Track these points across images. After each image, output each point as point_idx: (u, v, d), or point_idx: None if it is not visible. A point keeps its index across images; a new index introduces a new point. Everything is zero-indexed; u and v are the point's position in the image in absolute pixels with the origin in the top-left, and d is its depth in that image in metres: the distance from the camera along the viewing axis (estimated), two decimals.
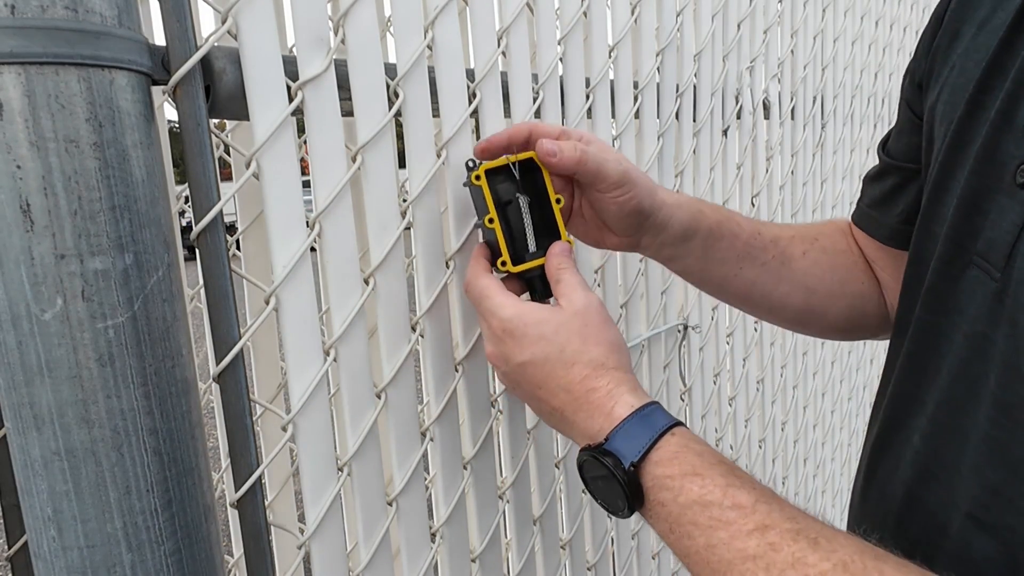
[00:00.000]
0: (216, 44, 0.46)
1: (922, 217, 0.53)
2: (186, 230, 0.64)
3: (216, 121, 0.51)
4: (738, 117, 1.09)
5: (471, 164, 0.58)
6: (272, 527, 0.80)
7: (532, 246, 0.58)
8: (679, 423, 0.48)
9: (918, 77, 0.57)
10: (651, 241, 0.63)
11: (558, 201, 0.59)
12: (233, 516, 0.54)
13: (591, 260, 0.82)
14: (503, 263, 0.57)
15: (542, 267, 0.58)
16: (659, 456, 0.46)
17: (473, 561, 0.69)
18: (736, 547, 0.41)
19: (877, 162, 0.67)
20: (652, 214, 0.60)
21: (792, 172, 1.26)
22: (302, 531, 0.55)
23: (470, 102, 0.64)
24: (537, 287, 0.59)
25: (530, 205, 0.58)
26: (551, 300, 0.58)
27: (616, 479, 0.46)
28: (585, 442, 0.50)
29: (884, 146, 0.65)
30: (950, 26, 0.53)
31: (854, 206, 0.70)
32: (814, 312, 0.69)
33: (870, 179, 0.67)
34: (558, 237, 0.59)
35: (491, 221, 0.56)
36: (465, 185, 0.60)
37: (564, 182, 0.61)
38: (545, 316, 0.53)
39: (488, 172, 0.57)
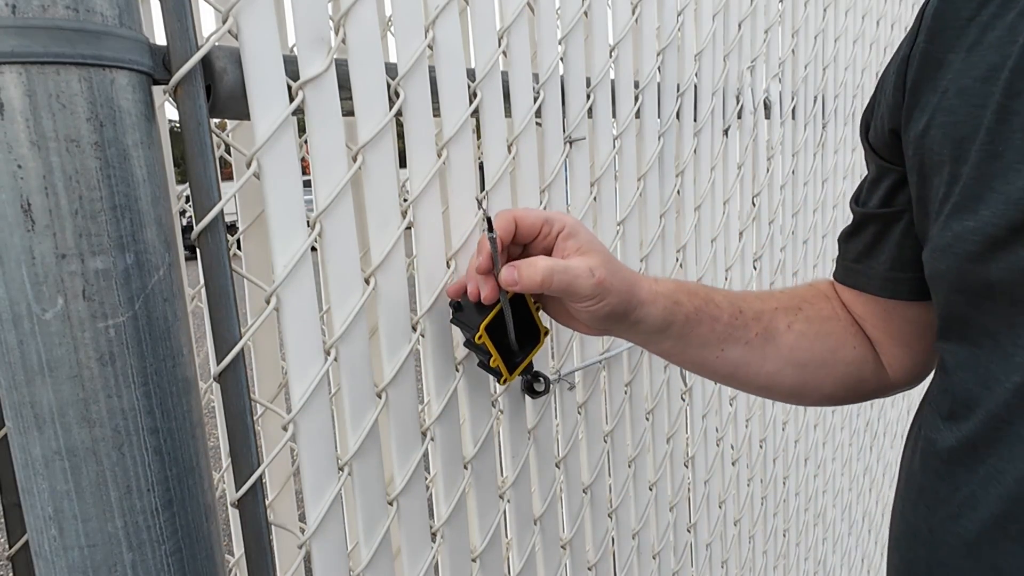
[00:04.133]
0: (217, 44, 0.46)
1: (954, 239, 0.49)
2: (187, 229, 0.64)
3: (217, 121, 0.51)
4: (739, 117, 1.09)
5: (455, 305, 0.61)
6: (273, 526, 0.80)
7: (517, 349, 0.62)
8: None
9: (889, 123, 0.56)
10: (624, 332, 0.62)
11: (537, 308, 0.63)
12: (234, 515, 0.54)
13: None
14: (504, 381, 0.62)
15: (531, 363, 0.63)
16: None
17: (473, 561, 0.69)
18: None
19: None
20: (626, 316, 0.59)
21: (793, 172, 1.26)
22: (303, 530, 0.55)
23: (471, 102, 0.64)
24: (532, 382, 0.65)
25: (512, 312, 0.60)
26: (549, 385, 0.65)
27: None
28: None
29: (858, 200, 0.64)
30: (928, 60, 0.52)
31: (834, 266, 0.68)
32: (807, 386, 0.67)
33: (847, 235, 0.65)
34: (537, 333, 0.63)
35: (494, 360, 0.60)
36: (452, 322, 0.63)
37: None
38: None
39: (488, 328, 0.59)
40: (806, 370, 0.66)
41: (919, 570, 0.54)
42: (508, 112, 0.69)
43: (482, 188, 0.68)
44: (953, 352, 0.52)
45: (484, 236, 0.55)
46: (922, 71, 0.53)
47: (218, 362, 0.48)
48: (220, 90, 0.48)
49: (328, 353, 0.55)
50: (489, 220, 0.55)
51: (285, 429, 0.53)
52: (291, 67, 0.51)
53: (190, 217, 0.49)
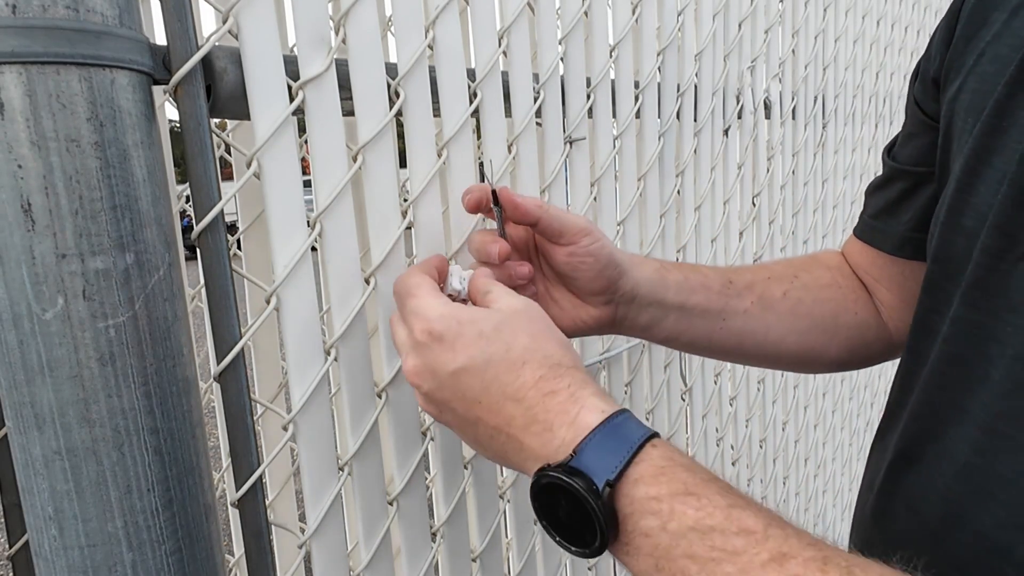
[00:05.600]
0: (217, 44, 0.46)
1: (948, 212, 0.49)
2: (187, 230, 0.64)
3: (217, 121, 0.52)
4: (739, 117, 1.09)
5: None
6: (273, 526, 0.80)
7: None
8: (656, 434, 0.40)
9: (933, 73, 0.55)
10: (627, 310, 0.60)
11: None
12: (234, 515, 0.55)
13: None
14: None
15: None
16: (640, 472, 0.38)
17: (473, 561, 0.69)
18: None
19: (880, 167, 0.65)
20: (624, 273, 0.58)
21: (793, 172, 1.26)
22: (303, 530, 0.55)
23: (471, 102, 0.64)
24: None
25: None
26: None
27: (587, 505, 0.37)
28: (540, 464, 0.41)
29: (890, 152, 0.63)
30: (976, 15, 0.50)
31: (856, 220, 0.67)
32: (813, 351, 0.66)
33: (874, 188, 0.64)
34: None
35: None
36: None
37: (529, 282, 0.59)
38: (483, 314, 0.45)
39: None
40: (808, 336, 0.66)
41: (859, 526, 0.59)
42: (508, 112, 0.69)
43: None
44: (912, 323, 0.55)
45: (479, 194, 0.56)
46: (968, 27, 0.51)
47: (218, 362, 0.48)
48: (220, 90, 0.48)
49: (328, 353, 0.55)
50: (494, 192, 0.55)
51: (285, 429, 0.53)
52: (291, 67, 0.51)
53: (190, 214, 0.49)
